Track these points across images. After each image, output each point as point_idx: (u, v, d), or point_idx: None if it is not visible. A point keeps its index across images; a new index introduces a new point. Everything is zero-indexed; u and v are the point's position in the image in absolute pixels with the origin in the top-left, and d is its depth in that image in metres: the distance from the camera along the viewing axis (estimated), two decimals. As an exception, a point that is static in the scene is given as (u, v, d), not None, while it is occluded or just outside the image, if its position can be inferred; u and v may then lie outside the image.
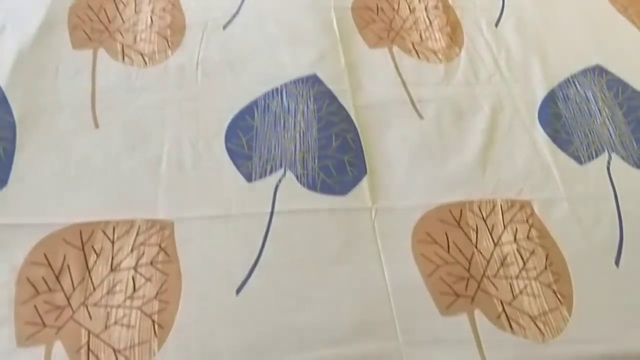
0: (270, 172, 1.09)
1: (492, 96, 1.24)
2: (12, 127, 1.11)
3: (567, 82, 1.27)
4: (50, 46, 1.25)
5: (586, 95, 1.25)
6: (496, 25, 1.39)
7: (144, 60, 1.25)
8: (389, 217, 1.04)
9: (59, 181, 1.05)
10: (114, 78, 1.22)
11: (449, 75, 1.28)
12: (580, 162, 1.14)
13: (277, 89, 1.22)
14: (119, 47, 1.27)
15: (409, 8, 1.41)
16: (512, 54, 1.33)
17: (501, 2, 1.44)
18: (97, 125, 1.13)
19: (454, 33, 1.36)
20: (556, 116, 1.21)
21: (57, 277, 0.93)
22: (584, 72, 1.30)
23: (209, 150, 1.12)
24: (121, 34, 1.30)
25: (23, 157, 1.07)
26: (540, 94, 1.25)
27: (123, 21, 1.32)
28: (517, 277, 0.98)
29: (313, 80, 1.24)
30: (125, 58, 1.25)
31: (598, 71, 1.30)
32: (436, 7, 1.41)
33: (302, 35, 1.33)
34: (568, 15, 1.42)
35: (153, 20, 1.33)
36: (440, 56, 1.31)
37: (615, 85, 1.28)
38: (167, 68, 1.24)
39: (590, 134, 1.18)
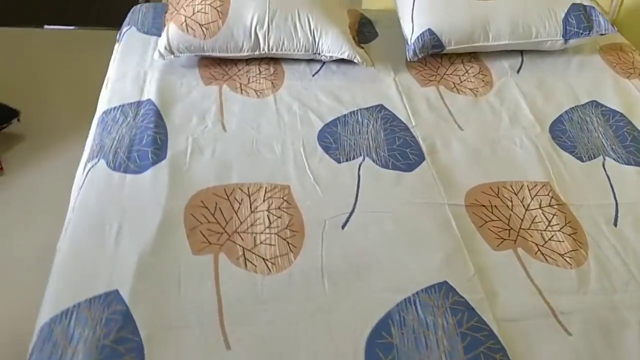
0: (423, 403, 1.00)
1: (634, 307, 1.17)
2: (140, 348, 1.03)
3: None
4: (170, 251, 1.21)
5: None
6: (615, 224, 1.36)
7: (267, 266, 1.20)
8: None
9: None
10: (239, 287, 1.16)
11: (583, 282, 1.22)
12: None
13: (409, 299, 1.15)
14: (240, 252, 1.23)
15: (523, 205, 1.39)
16: (640, 257, 1.29)
17: (613, 198, 1.42)
18: (228, 346, 1.05)
19: (576, 234, 1.33)
20: None
21: None
22: None
23: (350, 377, 1.03)
24: (240, 237, 1.26)
25: (154, 387, 0.98)
26: (682, 303, 1.19)
27: (240, 222, 1.29)
28: None
29: (446, 289, 1.18)
30: (248, 264, 1.20)
31: None
32: (550, 204, 1.39)
33: (423, 236, 1.29)
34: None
35: (271, 220, 1.30)
36: (568, 260, 1.26)
37: None
38: (291, 275, 1.19)
39: None
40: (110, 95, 1.65)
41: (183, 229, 1.26)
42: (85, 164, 1.44)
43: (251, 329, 1.08)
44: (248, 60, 1.83)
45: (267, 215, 1.31)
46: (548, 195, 1.42)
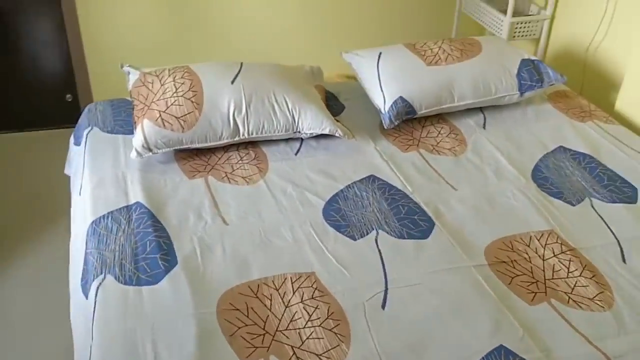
0: None
1: (675, 338, 1.23)
2: None
3: None
4: (217, 364, 1.12)
5: None
6: (624, 261, 1.43)
7: (323, 362, 1.14)
8: None
9: None
10: (302, 391, 1.08)
11: (620, 322, 1.26)
12: None
13: (473, 371, 1.14)
14: (290, 351, 1.15)
15: (539, 255, 1.43)
16: (659, 289, 1.36)
17: (613, 237, 1.50)
18: None
19: (595, 276, 1.38)
20: None
21: None
22: None
23: None
24: (284, 335, 1.19)
25: None
26: None
27: (278, 319, 1.22)
28: None
29: (505, 353, 1.17)
30: (303, 363, 1.13)
31: None
32: (563, 251, 1.44)
33: (463, 302, 1.28)
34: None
35: (309, 312, 1.24)
36: (599, 303, 1.31)
37: None
38: (351, 368, 1.14)
39: None
40: (94, 203, 1.53)
41: (222, 337, 1.17)
42: (87, 283, 1.31)
43: None
44: (225, 147, 1.79)
45: (304, 308, 1.25)
46: (557, 242, 1.47)
